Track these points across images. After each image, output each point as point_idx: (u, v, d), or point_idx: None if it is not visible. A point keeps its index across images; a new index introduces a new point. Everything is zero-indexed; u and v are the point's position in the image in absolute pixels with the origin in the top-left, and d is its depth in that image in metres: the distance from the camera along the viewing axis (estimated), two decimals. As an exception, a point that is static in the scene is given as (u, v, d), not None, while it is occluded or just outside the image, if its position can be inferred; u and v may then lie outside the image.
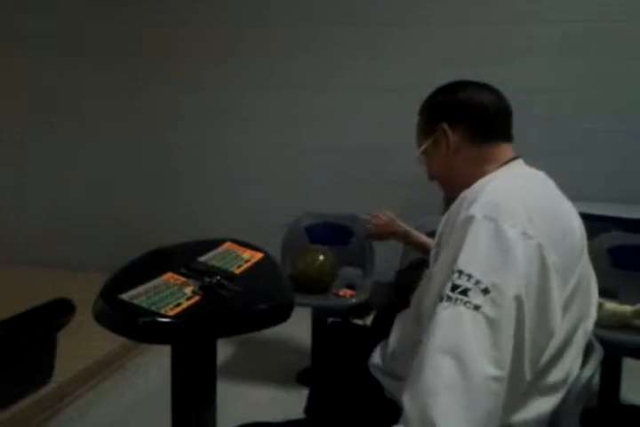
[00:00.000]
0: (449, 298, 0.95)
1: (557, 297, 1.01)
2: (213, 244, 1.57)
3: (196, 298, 1.23)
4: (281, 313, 1.28)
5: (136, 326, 1.12)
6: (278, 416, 1.60)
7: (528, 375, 0.98)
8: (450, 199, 1.30)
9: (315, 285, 2.74)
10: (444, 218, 1.16)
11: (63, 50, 4.22)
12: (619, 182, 3.49)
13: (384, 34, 3.73)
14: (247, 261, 1.52)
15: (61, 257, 4.22)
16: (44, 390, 1.94)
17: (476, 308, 0.93)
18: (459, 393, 0.89)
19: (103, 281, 1.27)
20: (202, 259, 1.46)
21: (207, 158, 4.12)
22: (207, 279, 1.30)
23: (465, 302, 0.94)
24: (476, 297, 0.94)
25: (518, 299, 0.95)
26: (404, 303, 1.43)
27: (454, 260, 0.99)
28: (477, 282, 0.95)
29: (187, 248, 1.52)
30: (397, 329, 1.39)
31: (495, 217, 1.00)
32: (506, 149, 1.28)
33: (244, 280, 1.36)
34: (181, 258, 1.42)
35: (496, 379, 0.90)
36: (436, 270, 1.06)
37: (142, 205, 4.28)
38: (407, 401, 0.93)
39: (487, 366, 0.91)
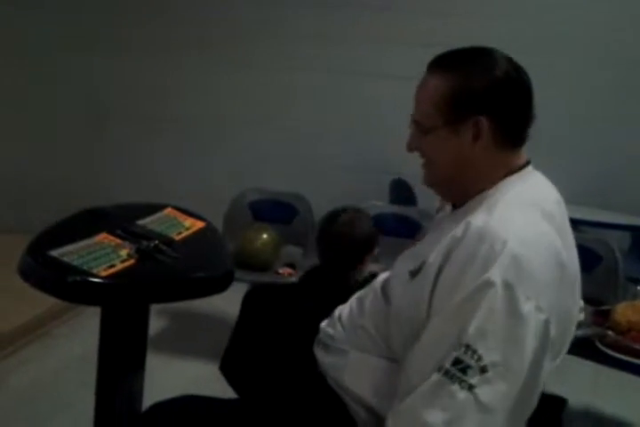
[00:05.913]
0: (447, 373, 0.93)
1: (545, 373, 0.99)
2: (154, 208, 1.50)
3: (132, 261, 1.18)
4: (219, 283, 1.24)
5: (64, 285, 1.06)
6: (206, 393, 1.56)
7: None
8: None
9: (256, 262, 2.70)
10: (450, 232, 1.04)
11: None
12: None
13: (330, 16, 3.65)
14: (188, 228, 1.46)
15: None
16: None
17: (470, 388, 0.92)
18: None
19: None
20: (140, 222, 1.39)
21: (152, 129, 3.99)
22: (144, 243, 1.24)
23: (461, 382, 0.92)
24: (473, 376, 0.92)
25: (515, 396, 0.94)
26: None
27: (463, 329, 0.94)
28: (479, 359, 0.92)
29: (125, 210, 1.45)
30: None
31: (514, 284, 0.94)
32: (521, 154, 1.13)
33: (183, 247, 1.31)
34: (118, 219, 1.35)
35: None
36: (438, 314, 0.99)
37: (75, 169, 4.13)
38: None
39: None
